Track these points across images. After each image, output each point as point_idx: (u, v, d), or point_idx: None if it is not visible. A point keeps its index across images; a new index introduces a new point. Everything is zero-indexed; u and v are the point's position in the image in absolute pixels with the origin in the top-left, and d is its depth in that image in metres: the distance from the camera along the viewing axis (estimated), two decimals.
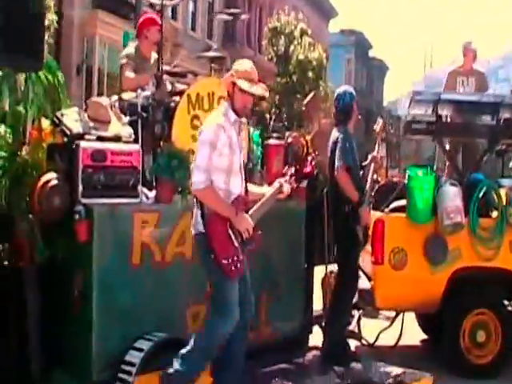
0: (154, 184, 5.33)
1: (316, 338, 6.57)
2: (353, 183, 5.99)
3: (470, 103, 7.61)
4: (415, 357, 7.28)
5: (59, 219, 4.74)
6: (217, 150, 4.52)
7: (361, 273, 6.75)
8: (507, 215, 6.78)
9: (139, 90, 5.78)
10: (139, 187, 5.07)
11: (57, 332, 4.85)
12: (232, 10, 7.40)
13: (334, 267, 6.59)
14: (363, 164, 6.46)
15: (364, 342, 7.15)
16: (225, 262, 4.47)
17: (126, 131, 5.23)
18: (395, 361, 6.14)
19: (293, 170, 5.03)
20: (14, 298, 4.70)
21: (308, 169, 6.54)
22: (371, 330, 7.30)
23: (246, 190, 4.82)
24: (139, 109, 5.62)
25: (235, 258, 4.51)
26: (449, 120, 7.87)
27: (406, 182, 6.88)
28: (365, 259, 6.70)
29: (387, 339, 7.17)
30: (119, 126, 5.23)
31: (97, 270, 4.70)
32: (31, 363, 4.73)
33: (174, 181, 5.19)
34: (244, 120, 4.87)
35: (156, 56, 6.51)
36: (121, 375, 4.66)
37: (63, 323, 4.87)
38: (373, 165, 6.42)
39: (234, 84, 4.66)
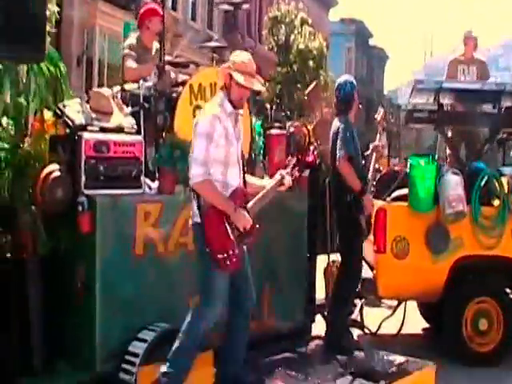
0: (157, 175, 5.32)
1: (319, 327, 6.58)
2: (355, 173, 5.99)
3: (471, 92, 7.59)
4: (417, 345, 7.31)
5: (62, 211, 4.74)
6: (213, 141, 4.43)
7: (363, 262, 6.76)
8: (509, 203, 6.80)
9: (141, 81, 5.74)
10: (142, 178, 5.07)
11: (60, 323, 4.84)
12: (233, 0, 7.31)
13: (336, 256, 6.60)
14: (365, 153, 6.46)
15: (366, 330, 7.17)
16: (220, 256, 4.36)
17: (129, 122, 5.21)
18: (397, 349, 6.14)
19: (295, 160, 4.95)
20: (16, 290, 4.68)
21: (310, 158, 6.52)
22: (373, 318, 7.33)
23: (245, 182, 4.73)
24: (141, 99, 5.59)
25: (230, 253, 4.39)
26: (450, 109, 7.87)
27: (407, 171, 6.88)
28: (367, 248, 6.71)
29: (389, 328, 7.20)
30: (121, 117, 5.22)
31: (100, 261, 4.70)
32: (34, 355, 4.72)
33: (176, 171, 5.18)
34: (241, 111, 4.80)
35: (158, 46, 6.48)
36: (124, 366, 4.66)
37: (66, 314, 4.86)
38: (374, 154, 6.42)
39: (230, 76, 4.56)
